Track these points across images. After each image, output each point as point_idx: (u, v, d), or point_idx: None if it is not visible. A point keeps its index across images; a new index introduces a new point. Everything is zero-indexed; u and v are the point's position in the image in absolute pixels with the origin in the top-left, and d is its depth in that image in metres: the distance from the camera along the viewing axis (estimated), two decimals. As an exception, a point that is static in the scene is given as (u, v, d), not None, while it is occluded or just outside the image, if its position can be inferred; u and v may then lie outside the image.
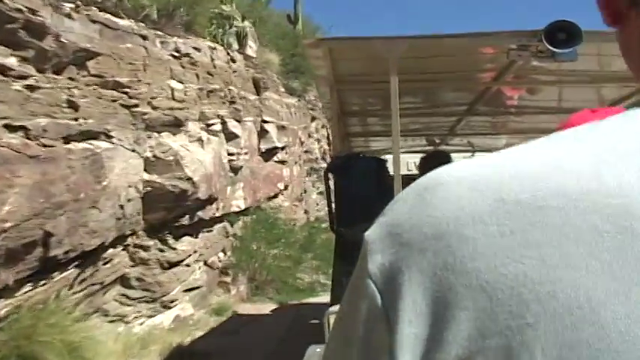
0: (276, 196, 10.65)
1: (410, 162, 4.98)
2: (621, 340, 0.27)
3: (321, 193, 16.23)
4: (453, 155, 4.74)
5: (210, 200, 7.10)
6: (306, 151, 15.48)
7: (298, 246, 8.83)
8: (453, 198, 0.33)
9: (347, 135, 5.40)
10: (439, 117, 5.10)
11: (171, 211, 6.15)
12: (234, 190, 8.13)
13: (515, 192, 0.31)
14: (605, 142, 0.33)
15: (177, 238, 6.41)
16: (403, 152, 4.37)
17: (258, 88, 11.54)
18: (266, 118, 10.80)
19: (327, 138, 17.58)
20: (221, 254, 7.76)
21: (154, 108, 6.28)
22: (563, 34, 2.52)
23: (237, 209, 8.18)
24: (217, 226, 7.64)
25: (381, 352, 0.32)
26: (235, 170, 8.18)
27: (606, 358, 0.27)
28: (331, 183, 4.09)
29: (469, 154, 5.82)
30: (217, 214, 7.41)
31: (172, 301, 6.11)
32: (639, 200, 0.30)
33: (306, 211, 13.39)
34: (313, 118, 16.50)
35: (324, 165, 17.21)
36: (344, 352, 0.36)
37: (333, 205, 3.91)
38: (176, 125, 6.63)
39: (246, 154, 9.05)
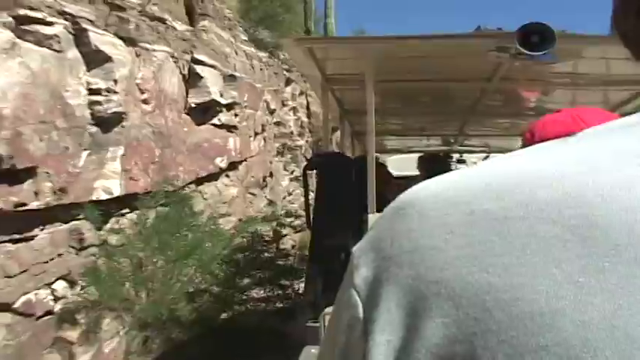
0: (213, 177, 6.84)
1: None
2: (581, 347, 0.27)
3: (296, 178, 12.42)
4: (467, 156, 6.55)
5: (7, 173, 3.30)
6: (277, 123, 11.63)
7: (231, 261, 5.03)
8: (428, 212, 0.34)
9: (355, 134, 5.48)
10: (445, 116, 4.99)
11: None
12: (102, 160, 4.31)
13: (484, 204, 0.32)
14: (579, 152, 0.33)
15: None
16: (416, 152, 5.56)
17: (192, 16, 7.72)
18: (200, 57, 6.96)
19: (307, 108, 13.70)
20: (60, 285, 3.95)
21: None
22: (536, 37, 2.45)
23: (108, 196, 4.35)
24: (50, 230, 3.82)
25: (356, 358, 0.34)
26: (105, 124, 4.36)
27: None
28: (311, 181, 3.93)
29: (483, 154, 6.20)
30: (39, 205, 3.60)
31: None
32: (599, 209, 0.30)
33: (270, 202, 9.54)
34: (289, 82, 12.59)
35: (301, 142, 13.46)
36: (331, 356, 0.38)
37: (311, 203, 3.77)
38: None
39: (145, 102, 5.24)
